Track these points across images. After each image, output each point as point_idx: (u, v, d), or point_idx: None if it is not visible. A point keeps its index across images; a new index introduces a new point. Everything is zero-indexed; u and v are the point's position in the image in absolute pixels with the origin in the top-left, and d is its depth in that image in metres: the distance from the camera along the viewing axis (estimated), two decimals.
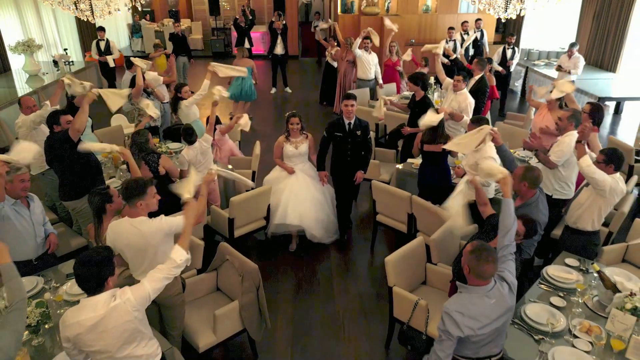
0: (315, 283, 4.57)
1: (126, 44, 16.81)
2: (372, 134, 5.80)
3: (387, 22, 8.30)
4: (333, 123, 4.85)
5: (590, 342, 2.75)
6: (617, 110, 9.63)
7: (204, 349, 3.22)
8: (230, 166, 5.39)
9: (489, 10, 6.57)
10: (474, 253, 2.34)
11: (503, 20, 7.21)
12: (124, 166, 4.92)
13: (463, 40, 9.91)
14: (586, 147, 4.00)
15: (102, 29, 9.80)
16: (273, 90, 11.10)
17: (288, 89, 11.05)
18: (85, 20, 6.77)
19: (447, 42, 9.03)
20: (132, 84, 5.98)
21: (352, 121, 4.75)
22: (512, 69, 9.20)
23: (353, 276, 4.70)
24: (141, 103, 5.20)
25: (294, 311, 4.20)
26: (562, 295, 3.19)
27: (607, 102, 9.58)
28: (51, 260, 3.59)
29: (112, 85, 9.87)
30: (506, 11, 6.90)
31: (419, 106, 5.37)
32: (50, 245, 3.56)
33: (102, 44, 9.79)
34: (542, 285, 3.30)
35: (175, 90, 5.68)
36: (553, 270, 3.37)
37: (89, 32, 13.47)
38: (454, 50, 9.08)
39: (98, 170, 4.48)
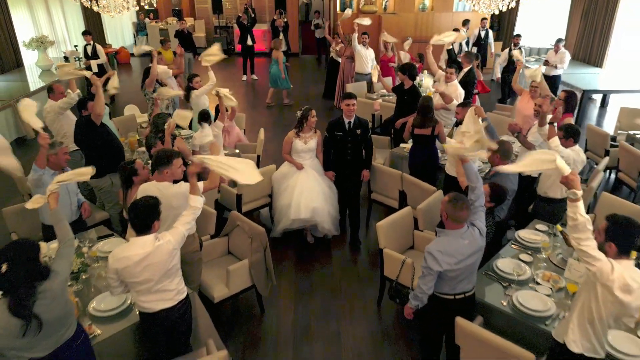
0: (316, 252, 5.02)
1: (131, 42, 17.28)
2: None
3: (387, 36, 8.86)
4: (333, 123, 4.91)
5: (550, 288, 3.23)
6: (603, 104, 10.09)
7: (218, 300, 3.69)
8: (237, 150, 5.85)
9: (474, 6, 7.00)
10: (451, 202, 2.82)
11: (487, 16, 7.63)
12: (141, 148, 5.38)
13: (468, 38, 10.44)
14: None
15: (88, 32, 9.81)
16: None
17: (272, 86, 11.49)
18: (106, 15, 7.19)
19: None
20: (146, 75, 6.46)
21: (352, 120, 4.82)
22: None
23: (350, 246, 5.17)
24: (161, 90, 5.62)
25: (297, 275, 4.68)
26: (529, 253, 3.67)
27: (593, 96, 10.12)
28: (82, 226, 4.07)
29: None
30: (500, 7, 7.32)
31: (408, 94, 5.84)
32: (85, 212, 4.04)
33: (89, 48, 9.73)
34: (514, 246, 3.78)
35: (188, 80, 6.16)
36: (523, 233, 3.85)
37: (95, 29, 13.97)
38: (459, 49, 9.51)
39: (120, 152, 4.95)
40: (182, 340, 2.98)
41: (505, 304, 3.12)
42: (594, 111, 9.82)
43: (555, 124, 4.35)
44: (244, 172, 2.91)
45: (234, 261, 3.99)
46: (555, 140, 4.06)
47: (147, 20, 16.87)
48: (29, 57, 10.60)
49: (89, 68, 9.21)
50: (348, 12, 9.17)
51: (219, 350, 2.80)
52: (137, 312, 2.90)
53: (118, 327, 2.91)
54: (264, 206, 5.33)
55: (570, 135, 4.09)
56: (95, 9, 7.13)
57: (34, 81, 9.48)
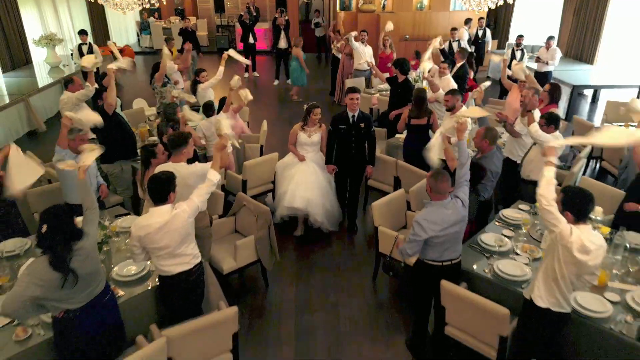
0: (317, 235, 5.33)
1: (134, 40, 17.62)
2: None
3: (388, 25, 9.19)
4: (337, 116, 5.03)
5: (528, 258, 3.56)
6: (594, 99, 10.42)
7: (227, 272, 4.04)
8: (240, 141, 6.18)
9: (465, 4, 7.34)
10: (433, 176, 3.17)
11: (476, 12, 7.94)
12: (152, 137, 5.71)
13: (469, 37, 10.78)
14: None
15: (84, 32, 9.73)
16: (276, 82, 11.89)
17: (289, 81, 11.84)
18: (120, 12, 7.51)
19: (451, 41, 9.86)
20: (155, 69, 6.79)
21: (356, 114, 4.94)
22: None
23: (347, 230, 5.48)
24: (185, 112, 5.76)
25: (298, 255, 5.02)
26: (512, 229, 4.00)
27: (585, 92, 10.47)
28: (101, 206, 4.41)
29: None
30: (490, 5, 7.65)
31: (400, 87, 6.19)
32: (102, 193, 4.39)
33: (85, 48, 9.62)
34: (497, 223, 4.11)
35: (195, 74, 6.50)
36: (507, 212, 4.19)
37: (100, 28, 14.32)
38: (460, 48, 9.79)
39: (131, 140, 5.30)
40: (197, 302, 3.31)
41: (487, 271, 3.46)
42: (585, 106, 10.16)
43: (538, 112, 4.70)
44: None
45: (240, 238, 4.32)
46: (535, 126, 4.40)
47: (151, 19, 17.22)
48: (38, 54, 10.94)
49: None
50: (390, 25, 9.29)
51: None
52: (157, 277, 3.25)
53: (138, 290, 3.25)
54: (268, 192, 5.66)
55: (551, 122, 4.43)
56: (108, 6, 7.46)
57: (43, 77, 9.81)
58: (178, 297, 3.19)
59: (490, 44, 11.96)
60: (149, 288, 3.29)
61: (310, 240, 5.26)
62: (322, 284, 4.55)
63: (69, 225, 2.62)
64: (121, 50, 14.94)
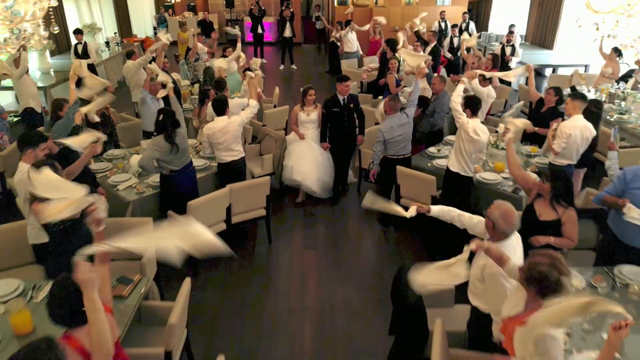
0: (320, 208, 6.09)
1: (151, 33, 19.47)
2: (357, 91, 8.46)
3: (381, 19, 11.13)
4: (329, 100, 5.76)
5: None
6: None
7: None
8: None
9: None
10: (391, 99, 5.01)
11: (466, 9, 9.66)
12: (193, 95, 7.54)
13: (440, 27, 12.57)
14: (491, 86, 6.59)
15: (79, 31, 9.90)
16: (281, 67, 13.71)
17: (294, 66, 13.67)
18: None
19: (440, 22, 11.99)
20: (189, 49, 8.65)
21: (346, 97, 5.73)
22: (512, 66, 9.50)
23: (346, 202, 6.26)
24: (215, 62, 7.28)
25: (304, 222, 5.83)
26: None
27: (546, 73, 12.31)
28: None
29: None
30: None
31: (389, 61, 8.00)
32: None
33: (80, 47, 9.73)
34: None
35: (223, 50, 8.33)
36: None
37: (123, 21, 16.18)
38: (452, 47, 11.42)
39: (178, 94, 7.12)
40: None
41: (429, 165, 5.29)
42: (543, 83, 11.99)
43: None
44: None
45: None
46: (475, 83, 6.25)
47: (166, 14, 19.09)
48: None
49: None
50: (383, 19, 11.24)
51: None
52: (216, 164, 5.10)
53: (204, 174, 5.09)
54: (279, 130, 7.44)
55: (486, 79, 6.28)
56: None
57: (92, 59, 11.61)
58: (229, 177, 5.02)
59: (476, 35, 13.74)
60: (209, 172, 5.15)
61: (313, 214, 5.98)
62: (326, 239, 5.50)
63: (174, 117, 4.44)
64: (142, 42, 16.92)
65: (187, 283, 3.25)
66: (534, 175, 4.40)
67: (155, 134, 4.50)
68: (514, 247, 2.73)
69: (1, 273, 3.71)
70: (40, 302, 3.10)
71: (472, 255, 2.67)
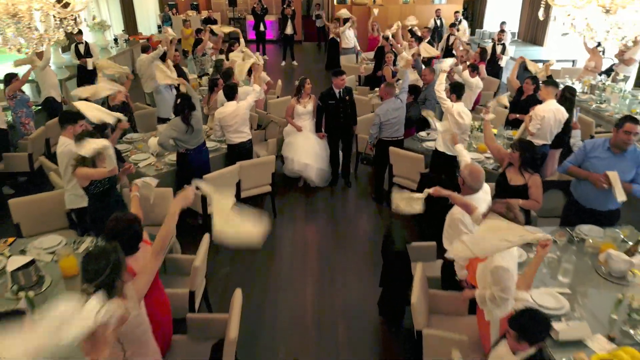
0: (320, 187, 6.62)
1: (156, 31, 20.00)
2: (355, 84, 9.05)
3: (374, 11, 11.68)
4: (325, 93, 6.03)
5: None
6: None
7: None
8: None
9: None
10: (386, 86, 5.54)
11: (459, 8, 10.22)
12: (202, 87, 8.08)
13: (436, 24, 13.11)
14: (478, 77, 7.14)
15: (79, 32, 9.51)
16: (283, 63, 14.25)
17: (295, 62, 14.21)
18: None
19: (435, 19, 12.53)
20: (197, 44, 9.17)
21: (342, 90, 6.02)
22: (502, 64, 9.64)
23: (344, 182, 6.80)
24: (231, 55, 7.92)
25: (306, 200, 6.35)
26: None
27: None
28: None
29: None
30: None
31: (385, 55, 8.53)
32: None
33: (82, 47, 9.57)
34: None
35: (229, 44, 8.86)
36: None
37: (129, 19, 16.69)
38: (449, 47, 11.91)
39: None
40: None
41: (420, 146, 5.82)
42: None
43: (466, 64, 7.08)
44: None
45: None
46: (465, 74, 6.78)
47: (170, 13, 19.61)
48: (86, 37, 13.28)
49: (82, 66, 9.38)
50: (375, 11, 11.89)
51: None
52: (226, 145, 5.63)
53: (216, 154, 5.62)
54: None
55: (474, 69, 6.82)
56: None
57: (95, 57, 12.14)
58: (237, 158, 5.54)
59: (468, 32, 14.22)
60: (220, 153, 5.68)
61: (315, 192, 6.49)
62: (325, 215, 6.01)
63: (190, 101, 4.97)
64: (148, 39, 17.45)
65: (206, 238, 3.78)
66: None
67: (172, 117, 5.05)
68: (481, 201, 3.27)
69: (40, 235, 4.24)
70: (81, 252, 3.63)
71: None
